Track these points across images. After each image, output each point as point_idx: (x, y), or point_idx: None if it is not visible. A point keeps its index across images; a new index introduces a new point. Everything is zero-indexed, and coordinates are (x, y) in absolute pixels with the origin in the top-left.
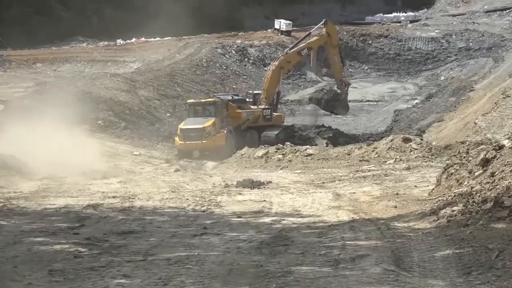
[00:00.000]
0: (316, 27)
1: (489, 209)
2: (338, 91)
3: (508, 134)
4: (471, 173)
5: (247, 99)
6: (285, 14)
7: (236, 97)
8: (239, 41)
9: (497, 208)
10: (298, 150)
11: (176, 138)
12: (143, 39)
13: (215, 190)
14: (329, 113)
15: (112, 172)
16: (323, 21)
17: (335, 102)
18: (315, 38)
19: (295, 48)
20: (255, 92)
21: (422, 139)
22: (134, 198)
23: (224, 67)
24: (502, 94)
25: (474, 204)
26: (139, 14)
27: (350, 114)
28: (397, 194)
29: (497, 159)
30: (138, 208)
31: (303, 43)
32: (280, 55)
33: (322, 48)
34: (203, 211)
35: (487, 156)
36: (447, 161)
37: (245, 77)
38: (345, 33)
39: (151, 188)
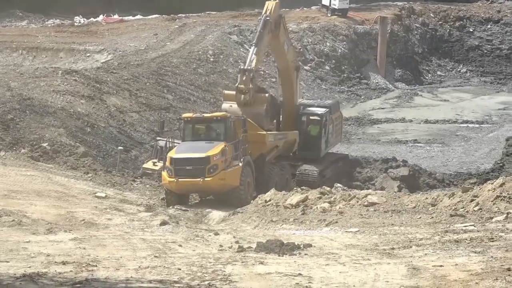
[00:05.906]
0: None
1: None
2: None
3: None
4: None
5: None
6: None
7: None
8: None
9: None
10: (355, 197)
11: (164, 173)
12: (115, 16)
13: (222, 257)
14: None
15: (62, 224)
16: None
17: None
18: None
19: None
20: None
21: None
22: (96, 266)
23: (242, 64)
24: None
25: None
26: None
27: (437, 142)
28: (509, 269)
29: None
30: (102, 281)
31: None
32: None
33: (395, 41)
34: None
35: None
36: None
37: (273, 79)
38: (432, 14)
39: (122, 250)
